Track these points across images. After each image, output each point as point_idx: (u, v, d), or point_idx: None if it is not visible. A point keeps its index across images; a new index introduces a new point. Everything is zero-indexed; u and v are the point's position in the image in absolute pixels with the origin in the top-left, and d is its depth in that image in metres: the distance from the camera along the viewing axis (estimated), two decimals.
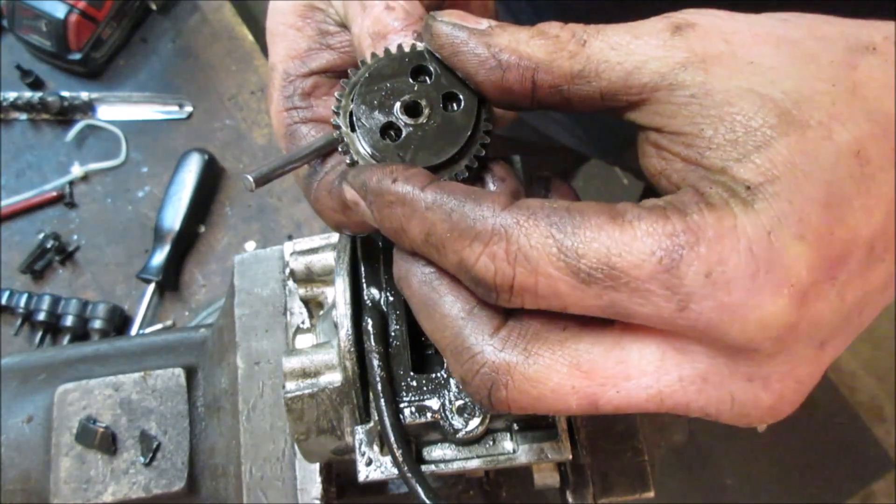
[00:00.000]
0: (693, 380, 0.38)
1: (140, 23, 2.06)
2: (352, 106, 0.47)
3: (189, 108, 1.96)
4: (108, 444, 0.75)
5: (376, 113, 0.46)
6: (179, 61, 2.01)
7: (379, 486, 0.86)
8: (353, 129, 0.47)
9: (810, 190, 0.35)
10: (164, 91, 1.99)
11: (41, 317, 1.67)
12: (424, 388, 0.54)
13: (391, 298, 0.58)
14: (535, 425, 0.57)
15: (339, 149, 0.48)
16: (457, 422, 0.53)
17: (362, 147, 0.46)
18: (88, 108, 1.95)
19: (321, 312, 0.69)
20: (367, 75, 0.48)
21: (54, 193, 1.84)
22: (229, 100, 1.91)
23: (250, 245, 1.76)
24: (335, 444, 0.61)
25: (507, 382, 0.39)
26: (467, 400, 0.54)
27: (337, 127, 0.48)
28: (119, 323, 1.71)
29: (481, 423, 0.53)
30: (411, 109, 0.46)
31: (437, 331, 0.42)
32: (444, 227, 0.39)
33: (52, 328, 1.70)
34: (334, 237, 0.71)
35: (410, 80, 0.47)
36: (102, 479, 0.75)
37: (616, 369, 0.38)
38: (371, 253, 0.59)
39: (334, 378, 0.58)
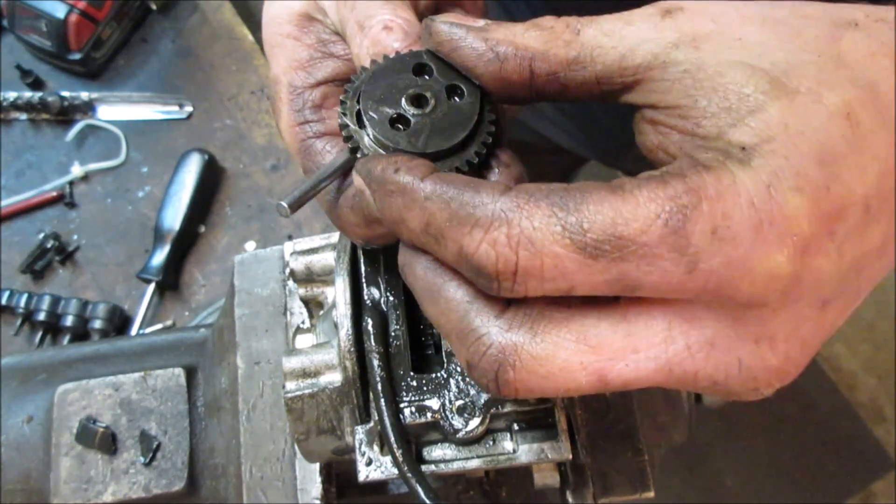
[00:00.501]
0: (701, 346, 0.38)
1: (140, 23, 2.06)
2: (358, 105, 0.48)
3: (189, 108, 1.96)
4: (108, 444, 0.75)
5: (383, 107, 0.47)
6: (179, 61, 2.01)
7: (379, 486, 0.86)
8: (360, 126, 0.47)
9: (805, 147, 0.36)
10: (164, 91, 1.99)
11: (41, 317, 1.67)
12: (424, 388, 0.55)
13: (391, 298, 0.58)
14: (536, 425, 0.57)
15: (349, 146, 0.48)
16: (457, 422, 0.53)
17: (372, 139, 0.47)
18: (88, 108, 1.95)
19: (321, 312, 0.69)
20: (370, 76, 0.49)
21: (54, 193, 1.85)
22: (229, 100, 1.91)
23: (250, 245, 1.76)
24: (335, 444, 0.61)
25: (514, 363, 0.39)
26: (467, 400, 0.54)
27: (344, 126, 0.48)
28: (119, 323, 1.71)
29: (481, 423, 0.54)
30: (417, 100, 0.47)
31: (442, 315, 0.42)
32: (443, 216, 0.39)
33: (52, 328, 1.70)
34: (334, 237, 0.71)
35: (413, 76, 0.48)
36: (102, 479, 0.75)
37: (624, 342, 0.38)
38: (371, 253, 0.59)
39: (334, 378, 0.58)
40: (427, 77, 0.48)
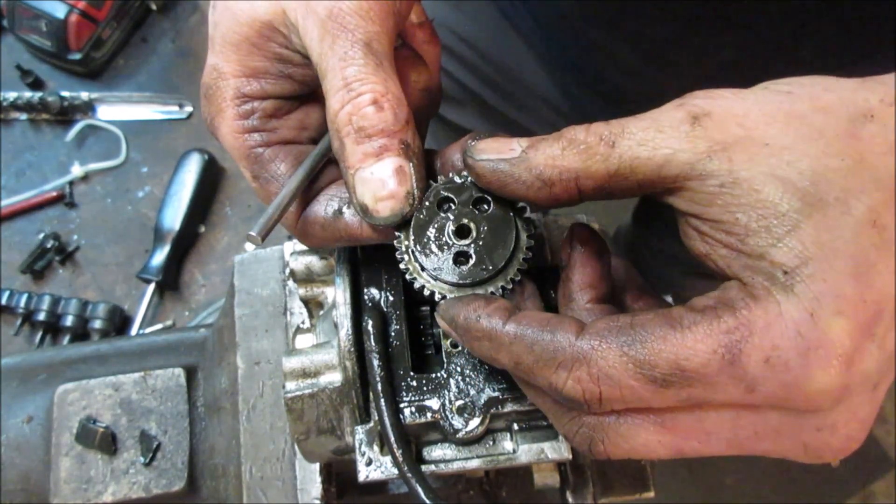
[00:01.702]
0: (767, 433, 0.43)
1: (140, 23, 2.06)
2: (419, 260, 0.51)
3: (189, 108, 1.96)
4: (108, 444, 0.75)
5: (441, 253, 0.51)
6: (179, 61, 2.01)
7: (379, 486, 0.86)
8: (433, 279, 0.51)
9: (840, 265, 0.40)
10: (164, 91, 1.99)
11: (41, 317, 1.67)
12: (424, 388, 0.54)
13: (391, 298, 0.58)
14: (536, 425, 0.57)
15: (423, 294, 0.51)
16: (457, 422, 0.53)
17: (447, 286, 0.51)
18: (88, 108, 1.95)
19: (321, 312, 0.69)
20: (412, 235, 0.52)
21: (54, 193, 1.84)
22: None
23: (250, 245, 1.76)
24: (335, 444, 0.61)
25: (602, 439, 0.45)
26: (467, 400, 0.54)
27: (421, 289, 0.51)
28: (119, 323, 1.71)
29: (481, 423, 0.54)
30: (461, 232, 0.52)
31: (537, 398, 0.49)
32: (529, 359, 0.45)
33: (52, 328, 1.70)
34: None
35: (441, 213, 0.52)
36: (102, 479, 0.75)
37: (696, 426, 0.44)
38: (371, 253, 0.59)
39: (334, 378, 0.58)
40: (451, 205, 0.52)
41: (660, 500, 0.73)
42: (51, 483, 0.75)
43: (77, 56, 1.90)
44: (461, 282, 0.50)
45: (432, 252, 0.51)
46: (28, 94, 1.89)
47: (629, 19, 0.90)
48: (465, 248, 0.51)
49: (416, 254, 0.51)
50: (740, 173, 0.42)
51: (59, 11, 1.84)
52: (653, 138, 0.43)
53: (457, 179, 0.53)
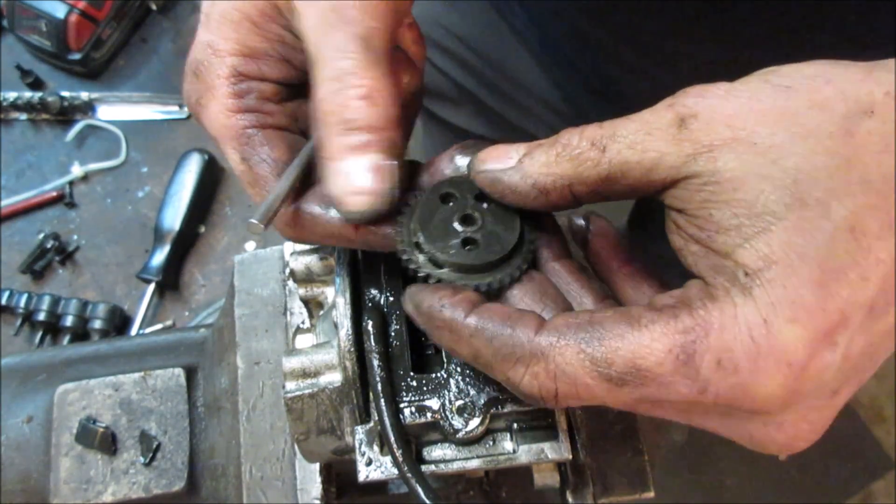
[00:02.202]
0: (715, 420, 0.45)
1: (140, 23, 2.06)
2: (426, 252, 0.51)
3: None
4: (108, 444, 0.75)
5: (448, 239, 0.51)
6: (179, 61, 2.00)
7: (379, 486, 0.86)
8: (439, 266, 0.51)
9: (805, 271, 0.39)
10: (164, 91, 1.99)
11: (41, 317, 1.67)
12: (424, 388, 0.55)
13: (391, 298, 0.58)
14: (535, 425, 0.57)
15: (410, 267, 0.51)
16: (457, 422, 0.53)
17: (455, 274, 0.50)
18: (88, 108, 1.95)
19: (321, 312, 0.69)
20: (418, 219, 0.52)
21: (54, 193, 1.84)
22: None
23: (250, 245, 1.76)
24: (335, 444, 0.61)
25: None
26: (467, 400, 0.54)
27: (425, 278, 0.51)
28: (119, 323, 1.71)
29: (481, 423, 0.54)
30: (466, 220, 0.52)
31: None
32: (488, 352, 0.45)
33: (52, 328, 1.70)
34: None
35: (442, 203, 0.52)
36: (102, 479, 0.75)
37: (648, 413, 0.45)
38: (371, 253, 0.59)
39: (334, 378, 0.58)
40: (453, 198, 0.52)
41: (660, 500, 0.73)
42: (51, 483, 0.75)
43: (77, 56, 1.90)
44: (471, 263, 0.50)
45: (438, 239, 0.51)
46: (28, 94, 1.89)
47: (623, 12, 0.90)
48: (472, 234, 0.51)
49: (421, 243, 0.51)
50: (724, 173, 0.41)
51: (59, 11, 1.84)
52: (642, 141, 0.43)
53: (458, 175, 0.53)
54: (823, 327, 0.39)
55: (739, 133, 0.42)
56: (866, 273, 0.39)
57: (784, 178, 0.40)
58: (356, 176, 0.49)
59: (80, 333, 1.67)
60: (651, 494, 0.71)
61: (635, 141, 0.44)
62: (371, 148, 0.49)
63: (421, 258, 0.51)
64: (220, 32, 0.54)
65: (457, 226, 0.51)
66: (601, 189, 0.46)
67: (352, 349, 0.56)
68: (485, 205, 0.52)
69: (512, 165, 0.47)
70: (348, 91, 0.49)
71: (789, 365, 0.40)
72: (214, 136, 0.56)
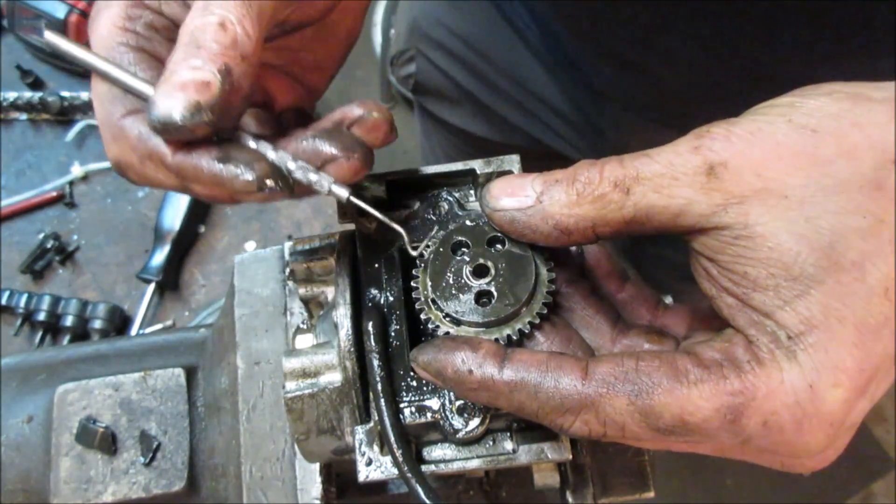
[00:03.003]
0: (750, 457, 0.46)
1: None
2: (440, 307, 0.51)
3: None
4: (108, 444, 0.75)
5: (462, 295, 0.51)
6: None
7: (379, 486, 0.86)
8: (457, 324, 0.51)
9: (844, 334, 0.41)
10: None
11: (41, 317, 1.67)
12: (424, 388, 0.55)
13: (391, 298, 0.58)
14: (536, 425, 0.57)
15: (430, 324, 0.52)
16: (457, 422, 0.53)
17: (472, 328, 0.50)
18: (88, 108, 1.94)
19: (321, 312, 0.69)
20: (430, 282, 0.52)
21: (54, 193, 1.84)
22: None
23: (250, 245, 1.76)
24: (335, 444, 0.61)
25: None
26: (467, 400, 0.54)
27: (421, 309, 0.51)
28: (119, 323, 1.71)
29: (481, 423, 0.54)
30: (479, 272, 0.51)
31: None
32: (534, 405, 0.45)
33: (52, 328, 1.69)
34: (334, 237, 0.71)
35: (457, 257, 0.52)
36: (102, 479, 0.75)
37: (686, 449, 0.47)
38: (371, 253, 0.59)
39: (334, 378, 0.58)
40: (465, 248, 0.52)
41: (660, 500, 0.73)
42: (51, 483, 0.75)
43: None
44: (486, 320, 0.50)
45: (452, 296, 0.51)
46: (28, 94, 1.89)
47: (623, 10, 0.90)
48: (486, 286, 0.51)
49: (437, 301, 0.51)
50: (756, 227, 0.42)
51: (59, 11, 1.84)
52: (668, 186, 0.43)
53: (468, 222, 0.53)
54: (861, 384, 0.42)
55: (770, 184, 0.42)
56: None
57: (820, 240, 0.41)
58: (179, 76, 0.47)
59: (80, 333, 1.67)
60: (651, 494, 0.71)
61: (661, 185, 0.43)
62: (207, 65, 0.47)
63: (439, 315, 0.51)
64: None
65: (470, 279, 0.51)
66: (625, 230, 0.45)
67: (352, 349, 0.56)
68: (497, 246, 0.52)
69: (531, 204, 0.47)
70: (208, 17, 0.49)
71: (831, 424, 0.42)
72: (94, 47, 0.55)
